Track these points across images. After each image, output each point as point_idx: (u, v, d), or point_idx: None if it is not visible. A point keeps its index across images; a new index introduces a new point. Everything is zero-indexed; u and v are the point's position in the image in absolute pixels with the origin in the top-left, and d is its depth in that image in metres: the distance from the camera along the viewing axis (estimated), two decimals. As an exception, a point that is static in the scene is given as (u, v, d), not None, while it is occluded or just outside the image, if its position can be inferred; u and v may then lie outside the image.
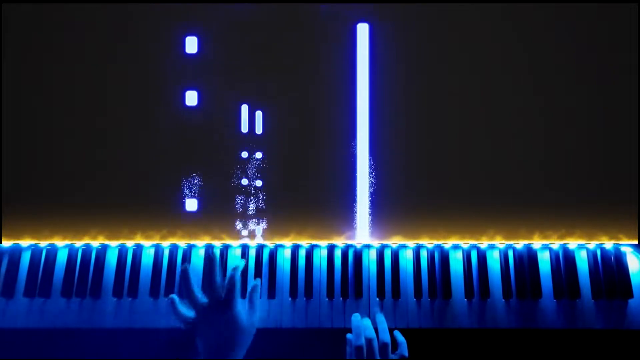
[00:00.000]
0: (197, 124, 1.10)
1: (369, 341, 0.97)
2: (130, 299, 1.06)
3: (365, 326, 1.00)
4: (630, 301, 1.05)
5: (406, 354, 0.99)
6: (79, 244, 1.08)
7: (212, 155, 1.09)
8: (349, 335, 1.00)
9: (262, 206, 1.08)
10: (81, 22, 1.12)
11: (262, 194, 1.09)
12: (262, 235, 1.08)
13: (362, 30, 1.11)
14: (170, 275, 1.07)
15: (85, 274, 1.07)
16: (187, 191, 1.08)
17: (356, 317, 1.02)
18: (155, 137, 1.10)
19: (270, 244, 1.09)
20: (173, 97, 1.10)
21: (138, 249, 1.08)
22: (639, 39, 1.09)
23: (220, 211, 1.08)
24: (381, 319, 1.03)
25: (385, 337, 0.99)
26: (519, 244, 1.08)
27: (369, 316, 1.05)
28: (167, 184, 1.09)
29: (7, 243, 1.08)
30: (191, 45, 1.12)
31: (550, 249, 1.08)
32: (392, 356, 0.98)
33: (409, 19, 1.11)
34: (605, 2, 1.10)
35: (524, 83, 1.10)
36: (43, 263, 1.08)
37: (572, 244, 1.07)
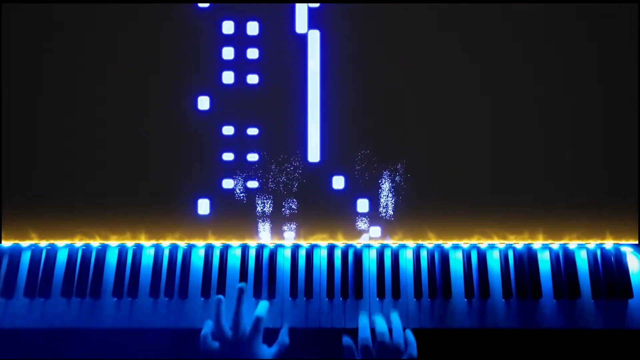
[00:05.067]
0: (197, 124, 1.10)
1: (380, 336, 0.97)
2: (130, 299, 1.06)
3: (377, 322, 0.99)
4: (630, 301, 1.05)
5: (415, 354, 0.97)
6: (79, 244, 1.08)
7: (209, 155, 1.10)
8: (345, 338, 1.00)
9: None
10: (81, 22, 1.11)
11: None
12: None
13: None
14: (170, 275, 1.07)
15: (85, 274, 1.07)
16: (189, 191, 1.09)
17: (364, 316, 1.02)
18: (155, 137, 1.10)
19: (270, 244, 1.09)
20: (173, 97, 1.10)
21: (138, 249, 1.08)
22: (639, 39, 1.09)
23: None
24: (396, 319, 1.02)
25: (399, 339, 0.98)
26: (519, 244, 1.08)
27: (369, 316, 1.04)
28: (167, 183, 1.09)
29: (7, 243, 1.08)
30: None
31: (550, 249, 1.08)
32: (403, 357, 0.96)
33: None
34: (605, 2, 1.10)
35: (524, 83, 1.09)
36: (43, 263, 1.07)
37: (572, 244, 1.07)
